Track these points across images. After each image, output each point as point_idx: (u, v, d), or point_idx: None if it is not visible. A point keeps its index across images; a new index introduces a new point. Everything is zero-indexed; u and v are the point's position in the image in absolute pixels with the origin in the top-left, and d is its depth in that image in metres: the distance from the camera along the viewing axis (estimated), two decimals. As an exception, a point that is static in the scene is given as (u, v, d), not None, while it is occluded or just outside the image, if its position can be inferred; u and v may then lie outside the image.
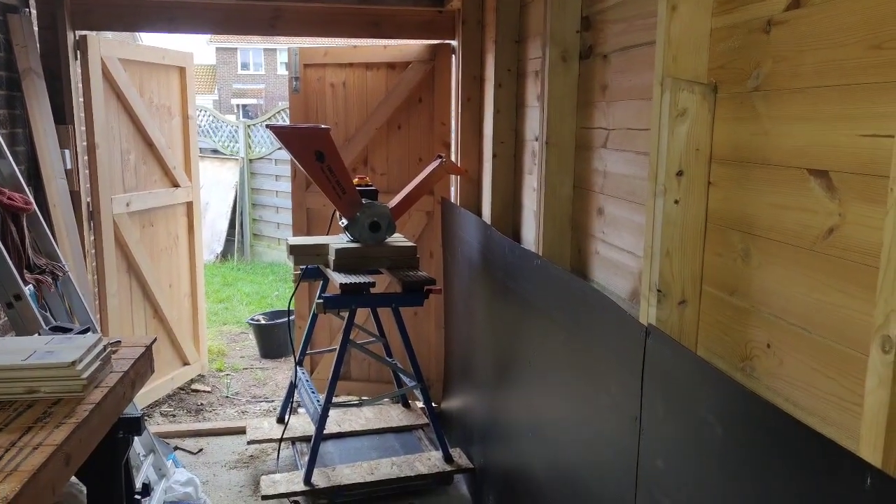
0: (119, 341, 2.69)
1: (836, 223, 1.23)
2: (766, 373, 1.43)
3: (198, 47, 37.95)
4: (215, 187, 9.77)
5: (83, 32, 4.13)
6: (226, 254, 9.75)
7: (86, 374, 2.22)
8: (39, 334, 2.81)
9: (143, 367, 2.67)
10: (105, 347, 2.41)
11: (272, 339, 6.03)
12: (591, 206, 2.42)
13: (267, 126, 3.66)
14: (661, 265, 1.66)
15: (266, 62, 34.42)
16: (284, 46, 30.73)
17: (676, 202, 1.64)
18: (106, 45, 4.29)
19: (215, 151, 10.73)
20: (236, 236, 9.78)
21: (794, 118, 1.34)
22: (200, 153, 10.58)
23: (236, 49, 34.15)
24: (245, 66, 34.93)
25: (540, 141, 2.61)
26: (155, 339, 2.81)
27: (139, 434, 2.52)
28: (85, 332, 2.93)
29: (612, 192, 2.24)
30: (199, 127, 11.40)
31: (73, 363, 2.19)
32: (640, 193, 2.04)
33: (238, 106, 33.71)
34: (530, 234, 3.08)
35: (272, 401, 5.15)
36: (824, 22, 1.25)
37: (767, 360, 1.43)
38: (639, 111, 2.03)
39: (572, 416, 2.28)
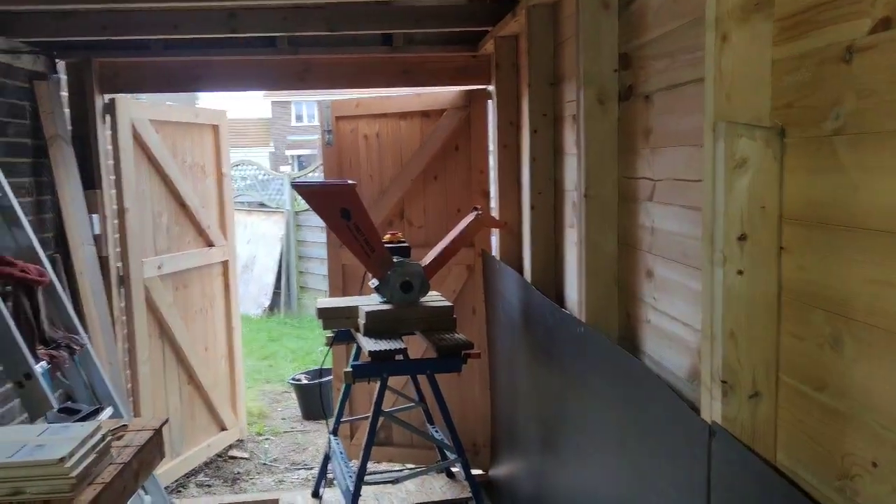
0: (125, 425, 2.48)
1: (966, 311, 0.91)
2: (875, 500, 1.09)
3: (255, 102, 39.19)
4: (262, 241, 9.75)
5: (112, 95, 4.08)
6: (273, 307, 9.67)
7: (76, 472, 2.00)
8: (46, 417, 2.64)
9: (151, 454, 2.44)
10: (104, 437, 2.20)
11: (314, 399, 5.79)
12: (638, 267, 2.11)
13: (292, 184, 3.49)
14: (725, 349, 1.34)
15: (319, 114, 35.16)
16: (336, 98, 31.35)
17: (740, 273, 1.32)
18: (136, 106, 4.23)
19: (262, 205, 10.77)
20: (283, 289, 9.70)
21: (894, 170, 1.02)
22: (248, 207, 10.67)
23: (290, 102, 35.05)
24: (299, 118, 35.77)
25: (578, 193, 2.32)
26: (166, 421, 2.59)
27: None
28: (97, 412, 2.76)
29: (661, 252, 1.93)
30: (249, 181, 11.51)
31: (62, 460, 1.98)
32: (694, 255, 1.72)
33: (293, 157, 34.44)
34: (574, 294, 2.77)
35: (311, 468, 4.88)
36: (931, 43, 0.95)
37: (874, 484, 1.09)
38: (689, 159, 1.73)
39: (626, 515, 1.93)
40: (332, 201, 3.18)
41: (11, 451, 2.03)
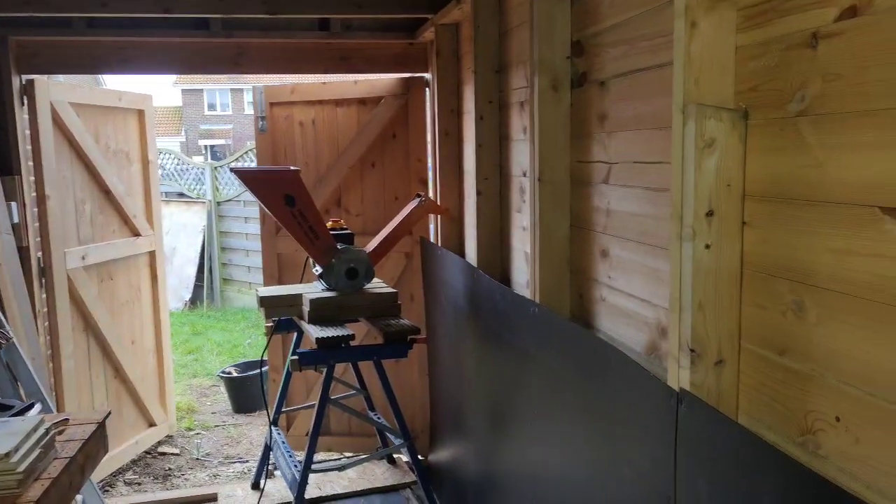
0: (66, 419, 2.38)
1: (926, 273, 1.01)
2: (837, 452, 1.19)
3: (163, 89, 37.67)
4: (182, 232, 9.43)
5: (30, 76, 3.85)
6: (195, 300, 9.37)
7: (22, 467, 1.91)
8: (-24, 414, 2.48)
9: (95, 447, 2.35)
10: (47, 431, 2.10)
11: (245, 392, 5.68)
12: (592, 248, 2.19)
13: (231, 170, 3.40)
14: (694, 320, 1.42)
15: (233, 102, 34.17)
16: (251, 86, 30.53)
17: (707, 247, 1.41)
18: (56, 88, 4.01)
19: (181, 195, 10.40)
20: (205, 282, 9.41)
21: (860, 146, 1.12)
22: (166, 197, 10.26)
23: (202, 90, 33.86)
24: (212, 106, 34.63)
25: (531, 177, 2.38)
26: (109, 414, 2.50)
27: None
28: (29, 407, 2.62)
29: (618, 233, 2.01)
30: (164, 170, 11.07)
31: (7, 455, 1.88)
32: (653, 234, 1.81)
33: (206, 147, 33.33)
34: (522, 277, 2.84)
35: (246, 461, 4.79)
36: None
37: (838, 437, 1.19)
38: (648, 142, 1.81)
39: (586, 484, 2.01)
40: (276, 188, 3.13)
41: (-50, 448, 1.91)
